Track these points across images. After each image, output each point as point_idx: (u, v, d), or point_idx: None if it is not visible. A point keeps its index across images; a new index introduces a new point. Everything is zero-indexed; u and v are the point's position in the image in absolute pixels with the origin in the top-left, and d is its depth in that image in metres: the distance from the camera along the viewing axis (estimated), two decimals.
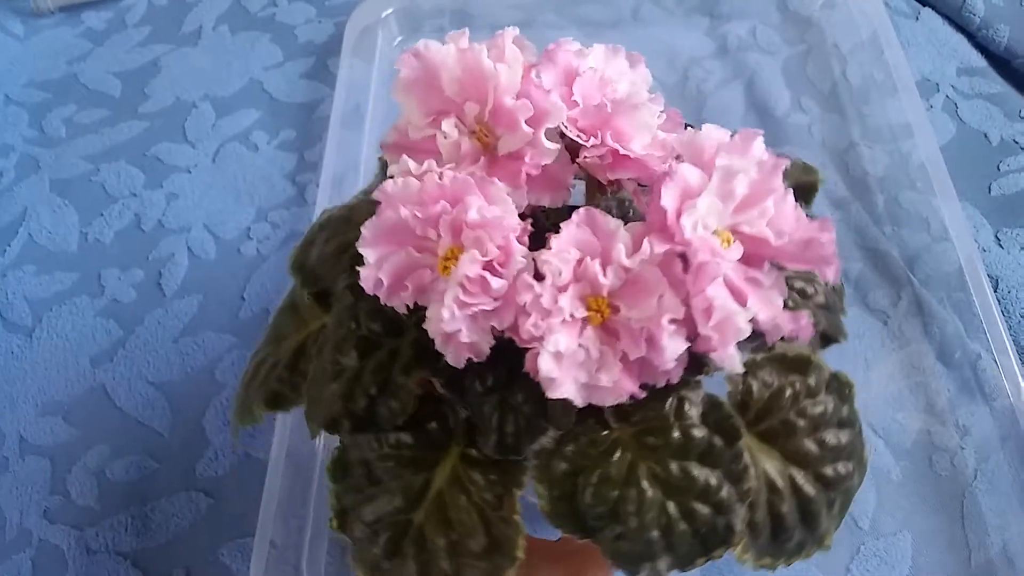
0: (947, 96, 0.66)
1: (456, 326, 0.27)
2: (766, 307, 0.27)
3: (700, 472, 0.30)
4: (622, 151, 0.29)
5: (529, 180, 0.29)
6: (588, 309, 0.27)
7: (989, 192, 0.60)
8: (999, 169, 0.62)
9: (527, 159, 0.29)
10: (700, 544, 0.29)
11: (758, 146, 0.28)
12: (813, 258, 0.27)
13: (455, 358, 0.28)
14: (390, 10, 0.73)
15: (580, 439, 0.31)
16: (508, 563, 0.30)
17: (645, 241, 0.26)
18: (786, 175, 0.37)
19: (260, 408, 0.36)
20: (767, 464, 0.32)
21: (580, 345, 0.27)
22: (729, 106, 0.67)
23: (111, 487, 0.53)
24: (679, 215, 0.26)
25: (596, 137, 0.29)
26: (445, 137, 0.29)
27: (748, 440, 0.32)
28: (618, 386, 0.27)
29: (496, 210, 0.27)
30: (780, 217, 0.27)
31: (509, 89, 0.29)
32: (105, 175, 0.69)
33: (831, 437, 0.32)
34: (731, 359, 0.26)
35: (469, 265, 0.26)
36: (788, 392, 0.32)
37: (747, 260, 0.27)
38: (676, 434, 0.30)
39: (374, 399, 0.31)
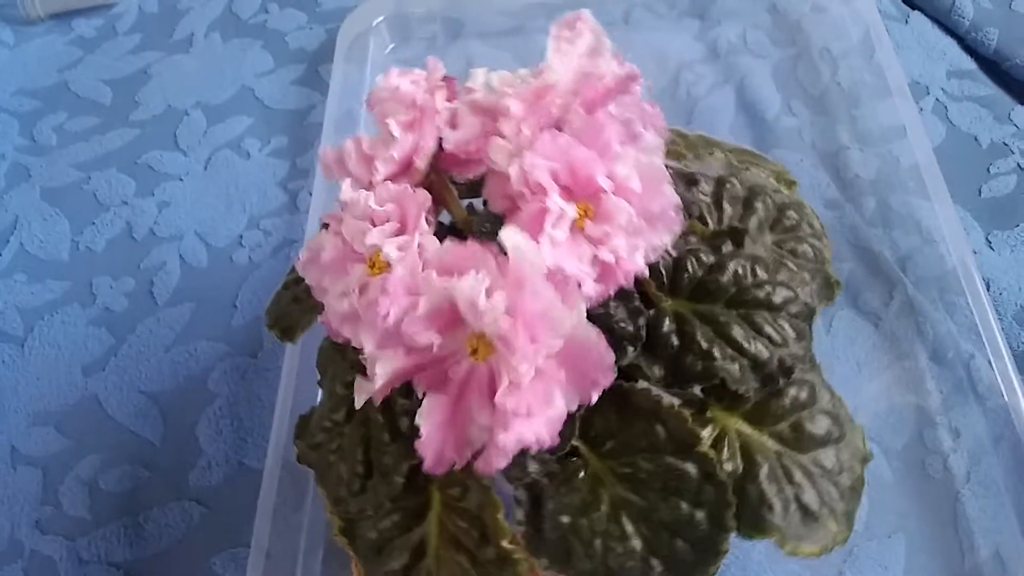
0: (937, 99, 0.66)
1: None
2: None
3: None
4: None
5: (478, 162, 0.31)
6: (368, 262, 0.29)
7: (979, 194, 0.61)
8: (989, 171, 0.62)
9: (471, 140, 0.30)
10: None
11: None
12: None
13: None
14: (381, 17, 0.73)
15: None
16: None
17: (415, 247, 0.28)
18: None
19: None
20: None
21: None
22: (719, 110, 0.67)
23: (103, 497, 0.52)
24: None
25: (529, 192, 0.28)
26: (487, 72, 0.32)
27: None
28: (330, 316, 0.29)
29: (429, 127, 0.30)
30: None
31: (530, 95, 0.29)
32: (96, 183, 0.68)
33: None
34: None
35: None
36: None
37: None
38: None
39: None
